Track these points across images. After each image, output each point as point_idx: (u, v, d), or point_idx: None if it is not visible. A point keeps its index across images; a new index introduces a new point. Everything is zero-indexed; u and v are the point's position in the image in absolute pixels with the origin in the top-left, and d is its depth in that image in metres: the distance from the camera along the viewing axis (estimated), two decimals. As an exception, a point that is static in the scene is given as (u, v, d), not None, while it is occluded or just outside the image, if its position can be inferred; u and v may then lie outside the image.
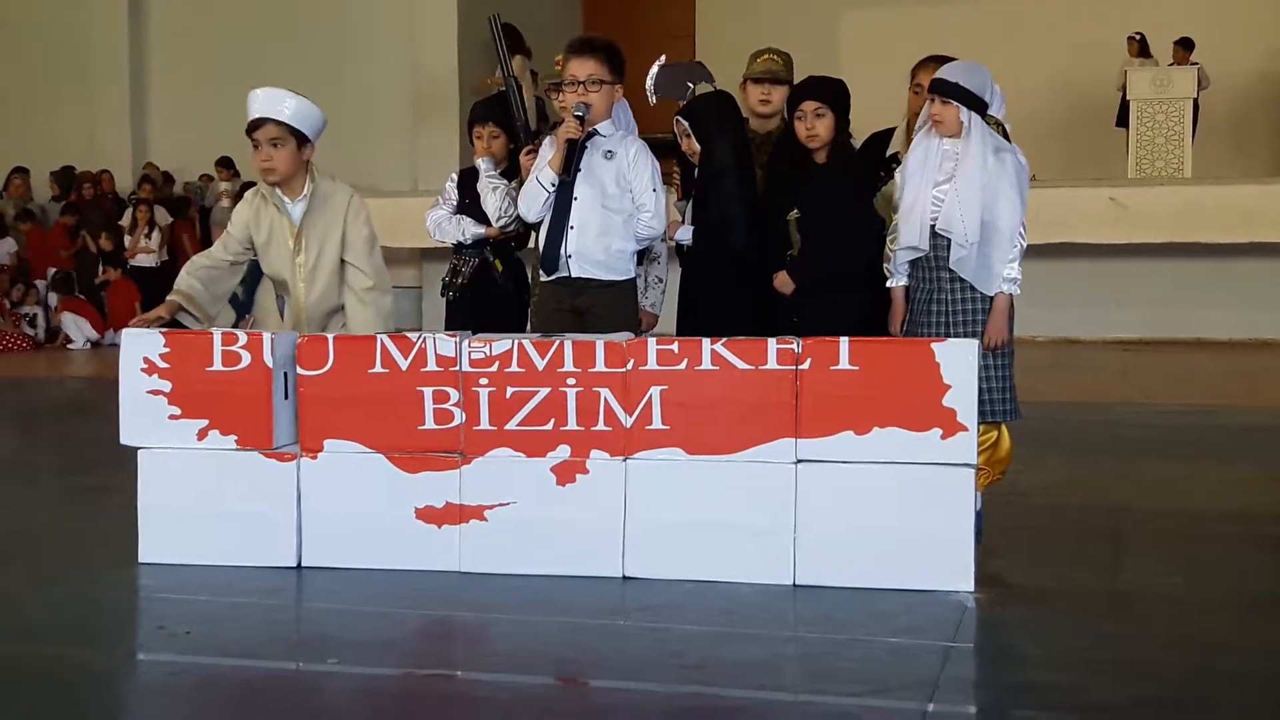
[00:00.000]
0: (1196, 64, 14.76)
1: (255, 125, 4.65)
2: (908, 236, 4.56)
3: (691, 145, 5.11)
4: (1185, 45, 14.85)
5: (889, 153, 5.14)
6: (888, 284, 4.71)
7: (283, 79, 16.25)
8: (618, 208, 4.85)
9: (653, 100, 5.60)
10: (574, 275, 4.87)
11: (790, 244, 4.91)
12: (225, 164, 15.61)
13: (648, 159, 4.89)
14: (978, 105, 4.52)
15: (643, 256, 5.25)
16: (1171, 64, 14.86)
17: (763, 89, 5.24)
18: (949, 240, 4.51)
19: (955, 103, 4.49)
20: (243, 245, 4.86)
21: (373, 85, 15.24)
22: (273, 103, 4.62)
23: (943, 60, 4.91)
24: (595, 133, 4.87)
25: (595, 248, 4.85)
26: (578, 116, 4.78)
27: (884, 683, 3.22)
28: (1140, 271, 13.61)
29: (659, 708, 3.11)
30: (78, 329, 14.56)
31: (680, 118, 5.17)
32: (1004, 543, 4.62)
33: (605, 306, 4.85)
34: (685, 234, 5.11)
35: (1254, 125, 15.72)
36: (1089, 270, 13.50)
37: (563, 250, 4.86)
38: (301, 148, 4.66)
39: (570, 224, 4.85)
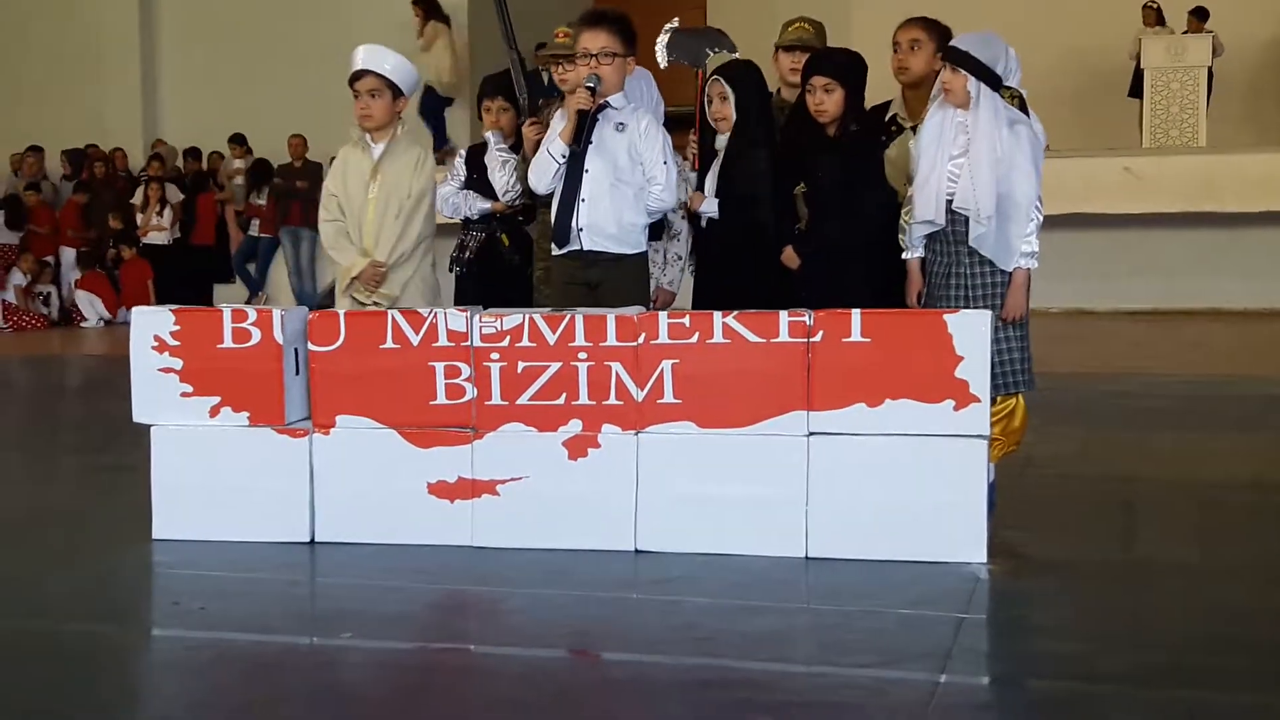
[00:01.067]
0: (1211, 32, 14.65)
1: (357, 76, 5.00)
2: (923, 210, 4.53)
3: (725, 110, 5.01)
4: (1199, 15, 14.74)
5: (888, 115, 5.08)
6: (903, 255, 4.67)
7: (292, 55, 16.27)
8: (629, 180, 4.83)
9: (663, 64, 5.51)
10: (585, 248, 4.86)
11: (798, 218, 4.89)
12: (238, 140, 15.62)
13: (659, 131, 4.87)
14: (989, 77, 4.48)
15: (662, 232, 5.21)
16: (1186, 32, 14.75)
17: (794, 57, 5.18)
18: (965, 223, 4.48)
19: (964, 71, 4.46)
20: (335, 197, 5.11)
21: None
22: (375, 57, 4.99)
23: (924, 20, 4.92)
24: (607, 105, 4.85)
25: (607, 221, 4.83)
26: (589, 88, 4.76)
27: (897, 654, 3.22)
28: (1154, 241, 13.55)
29: (671, 680, 3.12)
30: (91, 307, 14.60)
31: (721, 79, 5.06)
32: (1017, 514, 4.61)
33: (617, 280, 4.84)
34: (711, 206, 5.05)
35: (1269, 94, 15.60)
36: (1103, 240, 13.44)
37: (574, 223, 4.84)
38: (395, 100, 5.01)
39: (582, 197, 4.83)
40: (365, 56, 5.00)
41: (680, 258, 5.38)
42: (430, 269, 5.11)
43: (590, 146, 4.83)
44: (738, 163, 4.99)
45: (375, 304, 4.88)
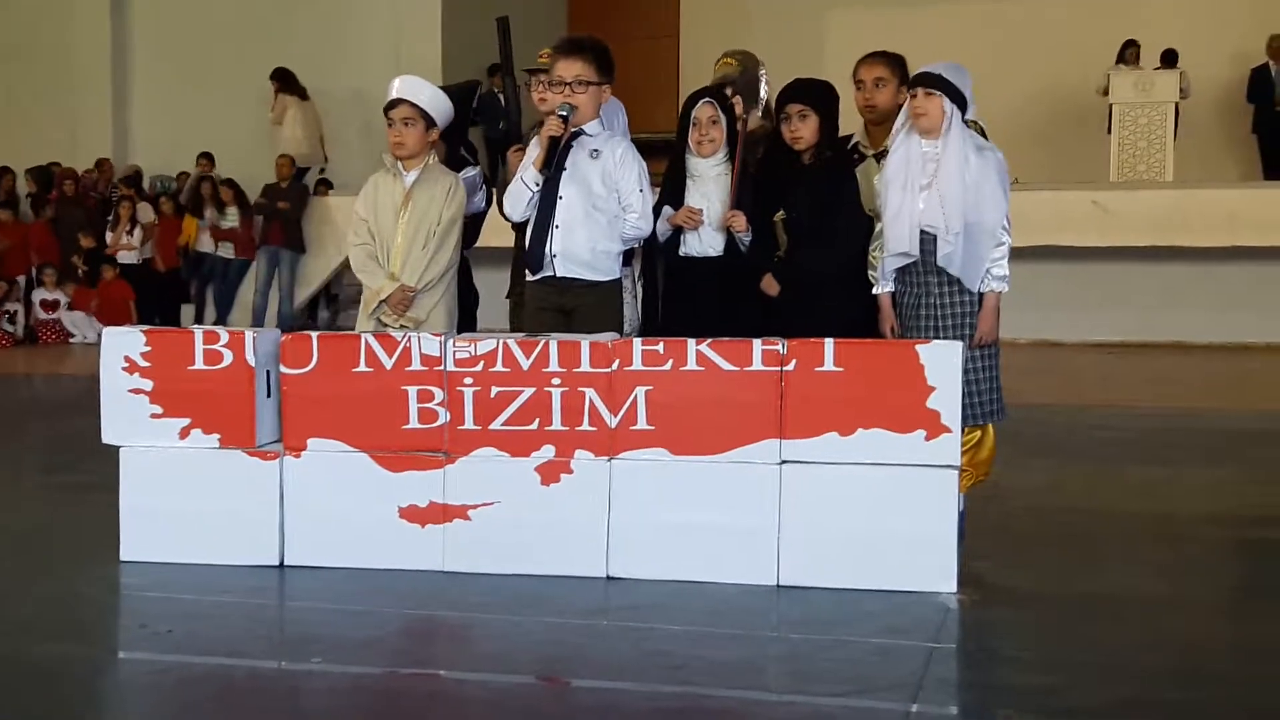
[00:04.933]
0: (1180, 70, 14.79)
1: (392, 105, 5.11)
2: (896, 243, 4.55)
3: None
4: (1168, 59, 14.90)
5: (850, 144, 5.11)
6: (873, 290, 4.69)
7: (266, 75, 16.22)
8: (603, 208, 4.83)
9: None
10: (559, 275, 4.86)
11: (778, 245, 4.91)
12: (207, 158, 15.58)
13: (634, 159, 4.88)
14: (960, 102, 4.53)
15: (633, 259, 5.19)
16: (1157, 67, 14.89)
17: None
18: (934, 243, 4.51)
19: (939, 94, 4.50)
20: (365, 222, 5.19)
21: (357, 81, 15.19)
22: (411, 88, 5.12)
23: (886, 55, 4.98)
24: (582, 132, 4.86)
25: (580, 247, 4.83)
26: (562, 116, 4.78)
27: (867, 683, 3.23)
28: (1122, 274, 13.64)
29: (642, 708, 3.11)
30: (90, 326, 14.41)
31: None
32: (987, 544, 4.63)
33: (591, 307, 4.84)
34: (748, 233, 4.88)
35: (1234, 132, 15.76)
36: (1071, 273, 13.53)
37: (548, 250, 4.85)
38: (429, 130, 5.11)
39: (555, 223, 4.83)
40: (401, 86, 5.12)
41: (629, 289, 5.26)
42: (453, 296, 5.17)
43: (565, 173, 4.84)
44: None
45: (402, 327, 4.91)
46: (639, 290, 5.27)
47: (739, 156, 4.97)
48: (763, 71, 5.35)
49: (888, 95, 4.94)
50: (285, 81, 15.44)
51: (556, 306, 4.87)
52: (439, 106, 5.13)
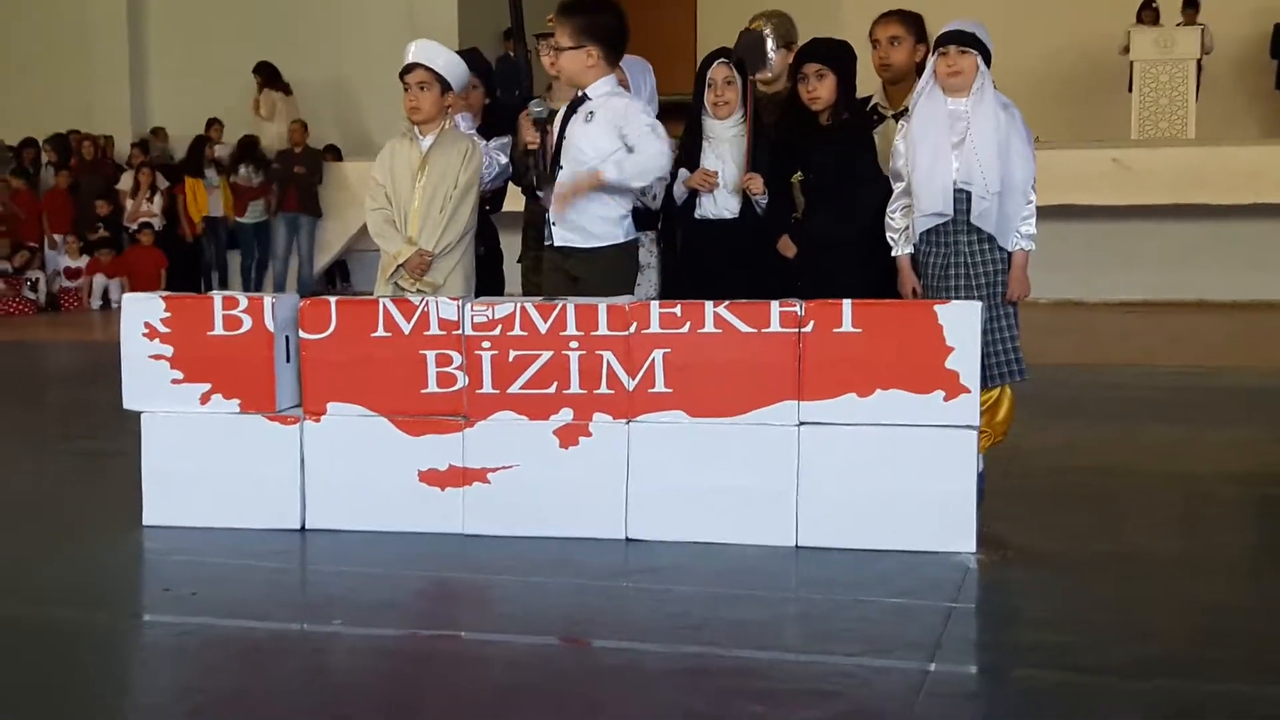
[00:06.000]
0: (1202, 25, 14.66)
1: (408, 69, 5.10)
2: (930, 203, 4.47)
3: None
4: (1191, 4, 14.75)
5: (870, 105, 5.08)
6: (893, 253, 4.65)
7: (280, 39, 16.23)
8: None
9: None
10: (557, 244, 4.86)
11: (795, 207, 4.89)
12: (214, 124, 15.60)
13: (635, 104, 4.79)
14: (988, 60, 4.51)
15: (656, 221, 5.13)
16: (1179, 24, 14.75)
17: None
18: (966, 202, 4.47)
19: (974, 51, 4.46)
20: (382, 187, 5.19)
21: (369, 44, 15.15)
22: (426, 52, 5.11)
23: (901, 13, 4.94)
24: (586, 97, 4.81)
25: (577, 215, 4.80)
26: (536, 121, 4.77)
27: (886, 643, 3.24)
28: (1143, 233, 13.58)
29: (662, 667, 3.13)
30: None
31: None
32: (1005, 505, 4.63)
33: (594, 274, 4.78)
34: (763, 198, 4.85)
35: (1256, 88, 15.63)
36: (1091, 232, 13.47)
37: (548, 218, 4.85)
38: (444, 94, 5.10)
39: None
40: (416, 51, 5.11)
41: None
42: (471, 260, 5.15)
43: (564, 142, 4.81)
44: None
45: (419, 291, 4.92)
46: (656, 255, 5.26)
47: (750, 117, 4.94)
48: (767, 32, 5.26)
49: (903, 54, 4.91)
50: (269, 76, 15.43)
51: (564, 271, 4.87)
52: (454, 71, 5.12)
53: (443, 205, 5.03)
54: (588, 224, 4.79)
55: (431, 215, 5.04)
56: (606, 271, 4.81)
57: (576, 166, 4.75)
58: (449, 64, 5.10)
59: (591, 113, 4.77)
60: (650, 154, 4.67)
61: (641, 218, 5.03)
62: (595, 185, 4.70)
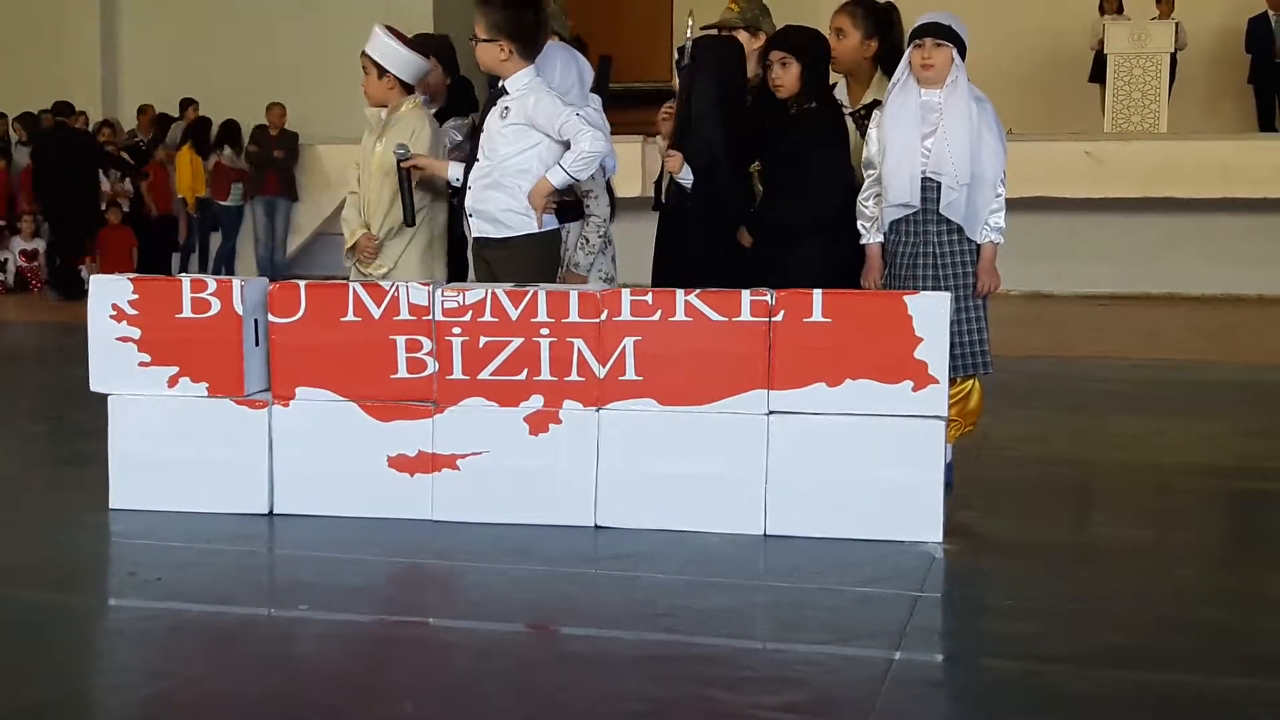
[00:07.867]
0: (1176, 20, 14.71)
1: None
2: (897, 193, 4.49)
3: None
4: (1167, -1, 14.81)
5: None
6: (862, 240, 4.66)
7: (253, 21, 16.05)
8: (503, 165, 4.77)
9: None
10: (475, 235, 4.87)
11: (754, 197, 4.88)
12: (190, 104, 15.47)
13: (548, 96, 4.76)
14: (963, 53, 4.52)
15: (581, 213, 5.10)
16: (1155, 18, 14.80)
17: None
18: (935, 192, 4.49)
19: (949, 44, 4.47)
20: (357, 170, 5.24)
21: (346, 29, 15.06)
22: (371, 39, 5.14)
23: (849, 6, 4.91)
24: (504, 90, 4.81)
25: (487, 205, 4.80)
26: (399, 157, 4.84)
27: (852, 631, 3.25)
28: (1114, 226, 13.64)
29: (629, 655, 3.14)
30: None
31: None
32: (973, 494, 4.65)
33: (505, 262, 4.81)
34: (687, 174, 4.88)
35: (1228, 82, 15.70)
36: (1063, 224, 13.52)
37: (465, 210, 4.88)
38: (382, 77, 5.10)
39: (468, 185, 4.84)
40: (369, 38, 5.14)
41: (588, 240, 5.17)
42: (430, 243, 5.11)
43: (482, 135, 4.83)
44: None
45: (368, 276, 4.92)
46: (612, 243, 5.26)
47: (679, 98, 4.95)
48: (691, 20, 5.22)
49: (848, 47, 4.88)
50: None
51: (485, 260, 4.90)
52: (388, 54, 5.08)
53: (388, 188, 5.00)
54: (498, 214, 4.80)
55: (380, 198, 5.03)
56: (519, 261, 4.79)
57: (491, 160, 4.78)
58: (381, 49, 5.08)
59: (507, 108, 4.79)
60: (584, 143, 4.66)
61: (569, 209, 4.99)
62: (549, 191, 4.75)
